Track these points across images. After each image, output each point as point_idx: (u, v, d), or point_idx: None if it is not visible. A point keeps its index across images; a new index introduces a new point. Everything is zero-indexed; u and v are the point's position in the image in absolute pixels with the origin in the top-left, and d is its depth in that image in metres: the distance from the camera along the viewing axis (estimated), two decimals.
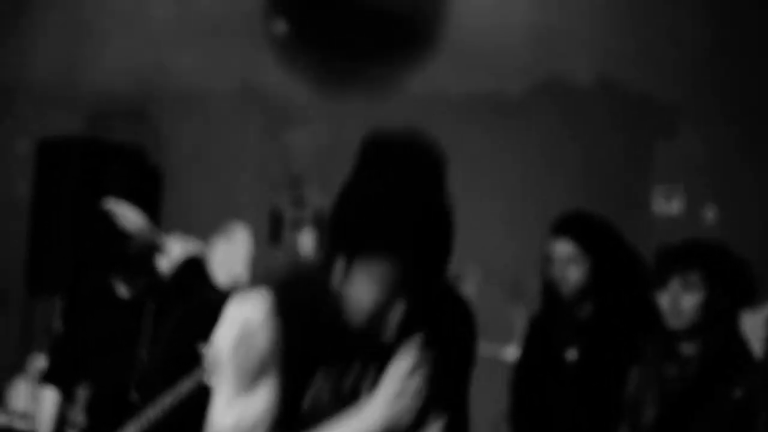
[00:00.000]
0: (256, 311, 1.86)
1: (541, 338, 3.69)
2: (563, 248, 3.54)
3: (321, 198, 5.16)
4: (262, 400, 1.84)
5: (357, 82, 4.90)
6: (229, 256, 5.32)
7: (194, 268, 3.60)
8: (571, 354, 3.54)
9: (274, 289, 1.89)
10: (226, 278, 5.16)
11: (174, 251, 3.60)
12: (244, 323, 1.86)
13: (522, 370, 3.75)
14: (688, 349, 3.12)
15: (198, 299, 3.44)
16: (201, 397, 3.13)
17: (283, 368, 1.85)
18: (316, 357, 1.88)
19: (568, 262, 3.52)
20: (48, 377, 3.61)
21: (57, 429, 3.58)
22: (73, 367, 3.56)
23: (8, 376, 5.45)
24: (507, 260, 4.78)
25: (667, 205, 4.67)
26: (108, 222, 3.35)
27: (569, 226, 3.57)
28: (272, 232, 5.34)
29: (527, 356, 3.75)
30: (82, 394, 3.55)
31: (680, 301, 3.09)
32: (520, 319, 4.29)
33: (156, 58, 5.74)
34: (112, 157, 5.25)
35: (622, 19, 4.86)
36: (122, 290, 3.44)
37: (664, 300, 3.13)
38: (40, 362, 3.89)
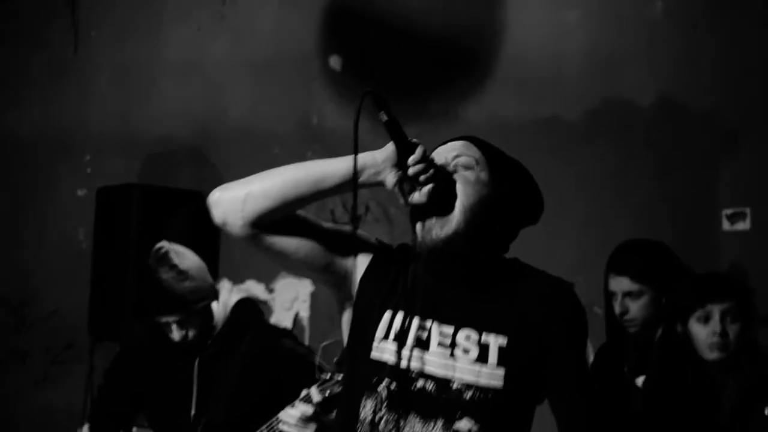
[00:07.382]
0: None
1: (610, 366, 3.58)
2: (622, 285, 3.45)
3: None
4: None
5: (415, 117, 4.82)
6: (290, 296, 5.28)
7: (248, 310, 3.49)
8: (641, 380, 3.44)
9: None
10: (287, 319, 5.12)
11: (225, 296, 3.49)
12: None
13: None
14: (724, 377, 3.17)
15: (258, 343, 3.38)
16: None
17: None
18: None
19: (629, 297, 3.44)
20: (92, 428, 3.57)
21: None
22: (119, 416, 3.54)
23: (76, 423, 5.46)
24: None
25: (734, 225, 4.54)
26: (165, 261, 3.26)
27: (626, 264, 3.47)
28: None
29: (596, 384, 3.64)
30: None
31: (726, 332, 3.13)
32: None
33: (212, 99, 5.74)
34: (171, 201, 5.24)
35: (681, 41, 4.75)
36: (176, 334, 3.30)
37: (700, 331, 3.16)
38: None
